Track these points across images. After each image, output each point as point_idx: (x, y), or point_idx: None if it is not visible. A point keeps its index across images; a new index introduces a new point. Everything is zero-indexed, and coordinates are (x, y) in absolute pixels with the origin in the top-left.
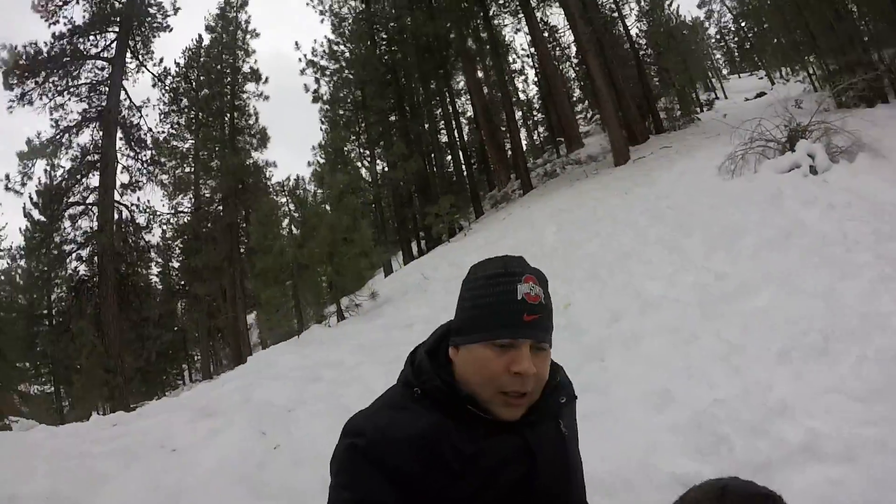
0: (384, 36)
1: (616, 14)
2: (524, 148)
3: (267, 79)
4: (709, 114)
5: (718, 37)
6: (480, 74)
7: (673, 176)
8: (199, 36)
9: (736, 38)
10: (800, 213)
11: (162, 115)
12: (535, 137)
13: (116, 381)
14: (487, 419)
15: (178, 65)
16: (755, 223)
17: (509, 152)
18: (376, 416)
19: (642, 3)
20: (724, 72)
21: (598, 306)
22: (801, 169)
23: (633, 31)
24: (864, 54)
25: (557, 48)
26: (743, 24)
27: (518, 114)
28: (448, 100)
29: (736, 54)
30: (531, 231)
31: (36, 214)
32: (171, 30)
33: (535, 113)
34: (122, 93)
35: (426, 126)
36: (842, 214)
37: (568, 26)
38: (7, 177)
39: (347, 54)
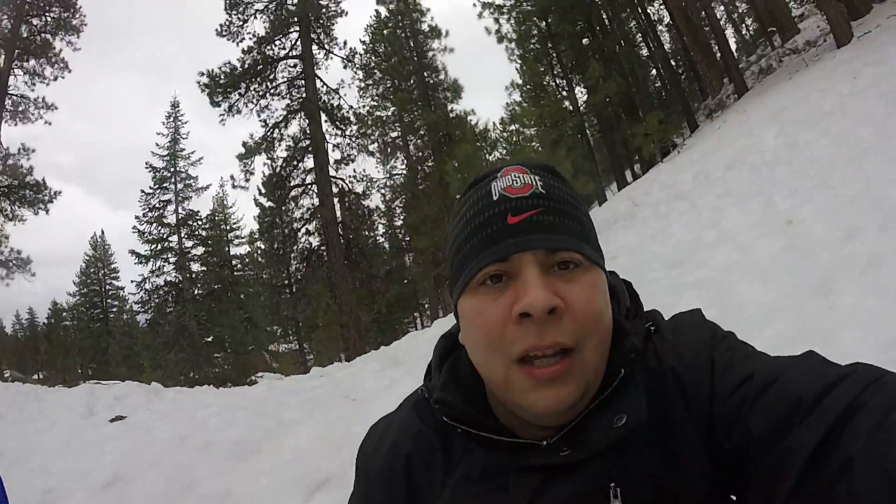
0: None
1: None
2: (733, 46)
3: (448, 32)
4: None
5: None
6: None
7: None
8: (376, 11)
9: None
10: None
11: (359, 91)
12: (743, 32)
13: (350, 333)
14: (487, 438)
15: (363, 42)
16: None
17: (718, 54)
18: (382, 421)
19: None
20: None
21: (828, 222)
22: None
23: None
24: None
25: None
26: None
27: (720, 8)
28: (640, 9)
29: None
30: (749, 138)
31: (264, 202)
32: (346, 14)
33: (738, 3)
34: (318, 82)
35: (622, 43)
36: None
37: None
38: (232, 177)
39: None
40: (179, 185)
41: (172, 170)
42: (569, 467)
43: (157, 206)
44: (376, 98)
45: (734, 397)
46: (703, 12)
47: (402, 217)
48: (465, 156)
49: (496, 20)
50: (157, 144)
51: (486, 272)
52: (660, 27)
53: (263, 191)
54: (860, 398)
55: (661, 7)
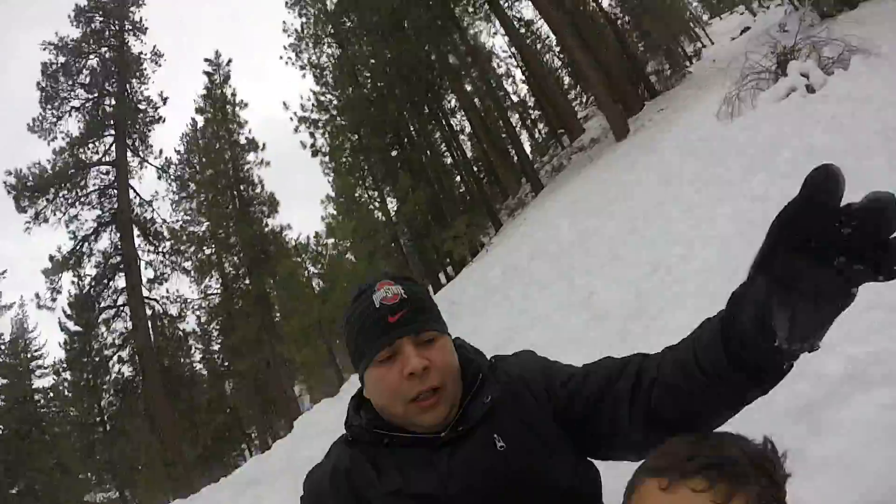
0: (367, 74)
1: None
2: (528, 149)
3: (264, 145)
4: (698, 64)
5: None
6: (469, 87)
7: (674, 136)
8: (193, 119)
9: None
10: (806, 134)
11: (173, 205)
12: (536, 135)
13: (178, 472)
14: (401, 436)
15: (178, 152)
16: (762, 160)
17: (515, 158)
18: (318, 465)
19: None
20: (706, 18)
21: (621, 288)
22: (798, 91)
23: (605, 3)
24: None
25: (537, 41)
26: None
27: (515, 116)
28: (444, 122)
29: None
30: (547, 230)
31: (71, 326)
32: (163, 121)
33: (531, 111)
34: (131, 192)
35: (428, 153)
36: (847, 124)
37: (540, 16)
38: (37, 295)
39: (335, 102)
40: None
41: None
42: (464, 437)
43: None
44: (189, 212)
45: (569, 384)
46: (500, 121)
47: (219, 340)
48: (286, 272)
49: (311, 134)
50: None
51: (381, 355)
52: (462, 136)
53: (70, 312)
54: (642, 363)
55: (463, 119)
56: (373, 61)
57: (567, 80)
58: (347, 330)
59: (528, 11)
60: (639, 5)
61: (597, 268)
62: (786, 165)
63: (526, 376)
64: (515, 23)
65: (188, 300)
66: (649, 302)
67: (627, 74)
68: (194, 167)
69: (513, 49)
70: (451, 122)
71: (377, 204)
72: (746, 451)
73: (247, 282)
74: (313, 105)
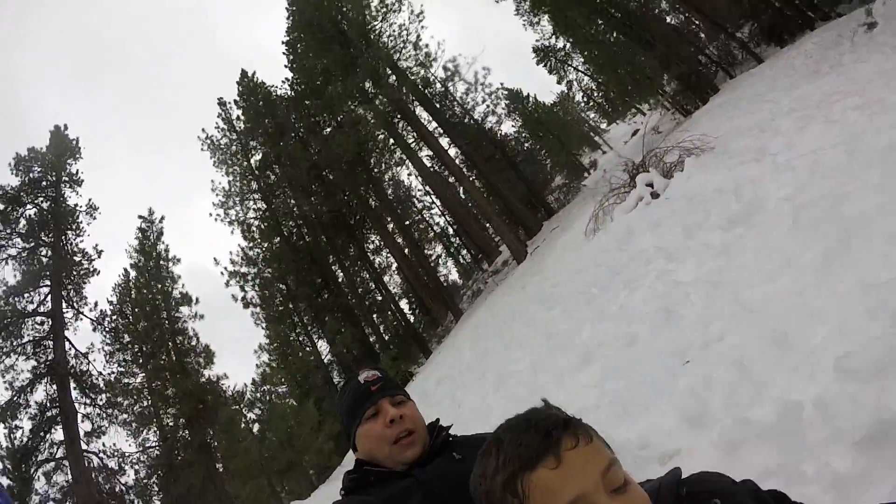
0: (292, 224)
1: (482, 123)
2: (456, 275)
3: (198, 299)
4: (594, 175)
5: (586, 99)
6: (391, 226)
7: (555, 255)
8: (126, 270)
9: (601, 94)
10: (639, 239)
11: (107, 356)
12: (460, 261)
13: None
14: (385, 471)
15: (111, 303)
16: (608, 271)
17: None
18: None
19: (501, 107)
20: (604, 125)
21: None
22: (644, 199)
23: (507, 130)
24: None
25: (447, 174)
26: (601, 80)
27: (439, 246)
28: (369, 261)
29: (607, 107)
30: (455, 354)
31: (6, 481)
32: (98, 273)
33: (452, 239)
34: (67, 343)
35: (356, 293)
36: (673, 220)
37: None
38: None
39: (262, 254)
40: None
41: None
42: (428, 461)
43: None
44: (124, 363)
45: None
46: (422, 254)
47: (159, 495)
48: (227, 418)
49: (241, 287)
50: None
51: (368, 413)
52: (391, 270)
53: (6, 466)
54: None
55: (389, 256)
56: (296, 211)
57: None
58: (341, 404)
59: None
60: (534, 129)
61: (488, 387)
62: (627, 272)
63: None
64: (426, 160)
65: (126, 454)
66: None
67: (527, 198)
68: (128, 318)
69: (426, 187)
70: (378, 260)
71: (308, 348)
72: (555, 412)
73: (186, 433)
74: (242, 259)
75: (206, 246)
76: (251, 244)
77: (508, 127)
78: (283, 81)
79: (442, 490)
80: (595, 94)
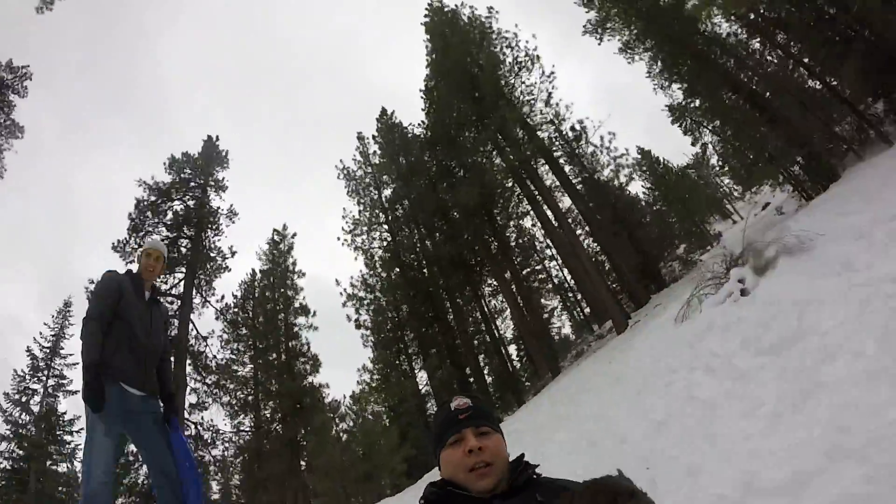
0: (412, 258)
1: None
2: (569, 329)
3: (315, 312)
4: (715, 249)
5: (721, 163)
6: (508, 274)
7: (645, 334)
8: (253, 271)
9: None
10: (708, 338)
11: (223, 343)
12: (575, 316)
13: None
14: (467, 495)
15: (235, 297)
16: (665, 367)
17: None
18: None
19: (625, 172)
20: (737, 193)
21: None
22: (733, 295)
23: (635, 190)
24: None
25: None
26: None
27: (556, 300)
28: (483, 304)
29: (743, 173)
30: (534, 411)
31: None
32: (229, 270)
33: (569, 294)
34: (190, 325)
35: (459, 335)
36: (735, 328)
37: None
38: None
39: (380, 283)
40: (51, 381)
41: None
42: (512, 495)
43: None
44: (236, 352)
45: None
46: (538, 306)
47: (240, 475)
48: (320, 424)
49: (356, 310)
50: (41, 334)
51: (451, 440)
52: (503, 316)
53: None
54: None
55: (503, 301)
56: (418, 247)
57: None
58: (433, 426)
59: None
60: (663, 194)
61: (551, 454)
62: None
63: (571, 486)
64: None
65: (220, 430)
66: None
67: (641, 267)
68: (248, 313)
69: (548, 240)
70: (493, 302)
71: (408, 377)
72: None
73: (279, 427)
74: (361, 284)
75: (330, 264)
76: (371, 272)
77: (637, 187)
78: (419, 124)
79: None
80: (730, 160)
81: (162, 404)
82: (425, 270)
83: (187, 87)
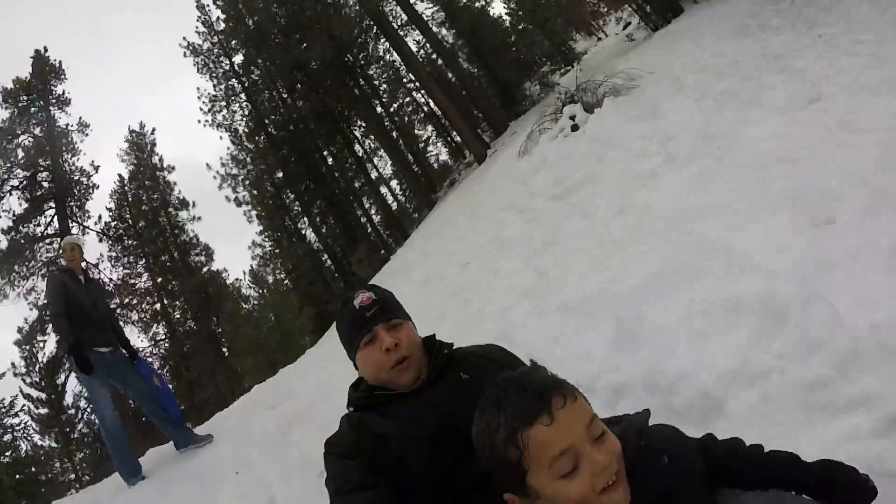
0: (276, 118)
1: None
2: (448, 157)
3: (194, 203)
4: (573, 73)
5: None
6: (380, 110)
7: (495, 168)
8: (120, 177)
9: None
10: (540, 173)
11: (113, 261)
12: (450, 141)
13: None
14: (394, 394)
15: (109, 210)
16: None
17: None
18: (332, 436)
19: None
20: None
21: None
22: (564, 131)
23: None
24: None
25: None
26: None
27: (430, 127)
28: (355, 150)
29: None
30: (407, 250)
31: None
32: (98, 187)
33: (443, 122)
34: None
35: (338, 186)
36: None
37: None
38: (13, 364)
39: (250, 155)
40: None
41: None
42: (437, 381)
43: None
44: (128, 266)
45: None
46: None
47: (174, 382)
48: (230, 310)
49: (233, 189)
50: None
51: (364, 340)
52: (378, 155)
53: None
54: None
55: (375, 141)
56: (281, 109)
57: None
58: (339, 329)
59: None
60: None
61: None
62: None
63: (487, 354)
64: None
65: (139, 348)
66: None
67: (500, 96)
68: (127, 222)
69: (410, 75)
70: (367, 142)
71: (298, 237)
72: (549, 375)
73: (192, 324)
74: (232, 161)
75: (192, 139)
76: (239, 147)
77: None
78: None
79: (455, 411)
80: None
81: (125, 351)
82: (292, 128)
83: None
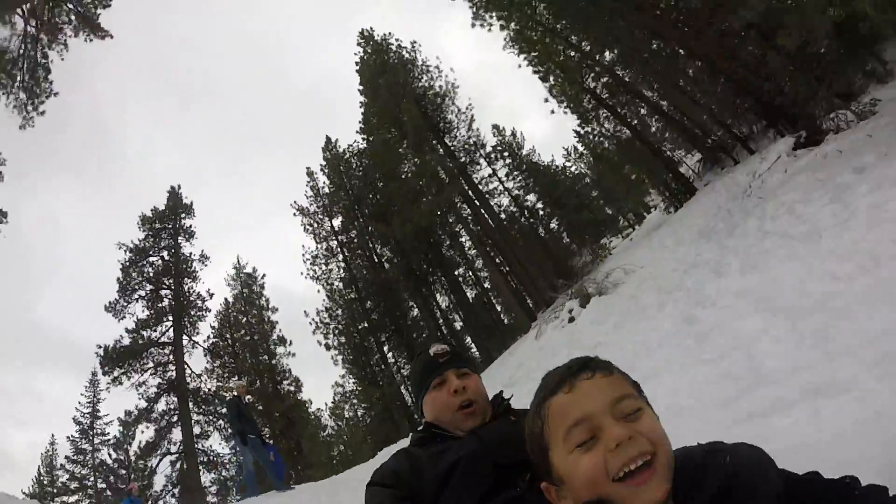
0: (367, 276)
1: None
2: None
3: (291, 342)
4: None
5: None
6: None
7: (525, 343)
8: (226, 300)
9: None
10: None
11: (215, 377)
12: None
13: None
14: (450, 434)
15: (212, 328)
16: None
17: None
18: (381, 466)
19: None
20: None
21: None
22: (563, 322)
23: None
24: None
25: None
26: None
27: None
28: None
29: None
30: None
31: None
32: (210, 310)
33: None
34: (185, 366)
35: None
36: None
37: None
38: (116, 438)
39: (341, 311)
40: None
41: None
42: (490, 422)
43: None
44: (219, 377)
45: None
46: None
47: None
48: (308, 436)
49: (325, 335)
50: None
51: (434, 383)
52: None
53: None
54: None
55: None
56: (373, 266)
57: None
58: (412, 374)
59: None
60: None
61: None
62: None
63: None
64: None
65: (220, 454)
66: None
67: (553, 269)
68: (227, 341)
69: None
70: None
71: (379, 371)
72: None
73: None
74: (325, 312)
75: (287, 270)
76: (332, 302)
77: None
78: (359, 150)
79: (495, 442)
80: None
81: (260, 439)
82: (381, 283)
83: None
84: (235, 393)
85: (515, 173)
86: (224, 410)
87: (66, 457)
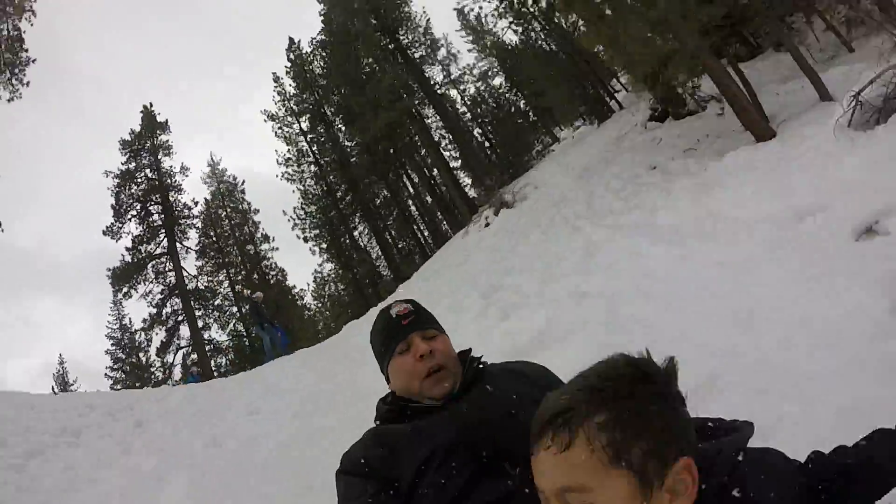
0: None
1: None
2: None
3: (273, 238)
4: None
5: None
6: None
7: (458, 237)
8: (206, 200)
9: None
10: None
11: (198, 269)
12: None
13: None
14: (421, 406)
15: (196, 228)
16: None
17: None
18: (349, 449)
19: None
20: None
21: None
22: (480, 226)
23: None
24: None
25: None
26: None
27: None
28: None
29: None
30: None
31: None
32: (198, 217)
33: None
34: (183, 271)
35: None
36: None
37: None
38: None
39: (314, 207)
40: None
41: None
42: (463, 394)
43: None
44: (210, 273)
45: None
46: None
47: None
48: (297, 317)
49: (302, 230)
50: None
51: (399, 348)
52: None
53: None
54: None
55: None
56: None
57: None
58: (374, 338)
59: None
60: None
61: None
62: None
63: (519, 369)
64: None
65: (220, 341)
66: None
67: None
68: (211, 238)
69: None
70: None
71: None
72: (586, 384)
73: None
74: (302, 210)
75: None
76: (306, 201)
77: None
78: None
79: (476, 423)
80: None
81: (271, 324)
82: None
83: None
84: (255, 300)
85: (480, 55)
86: (247, 309)
87: (108, 366)
